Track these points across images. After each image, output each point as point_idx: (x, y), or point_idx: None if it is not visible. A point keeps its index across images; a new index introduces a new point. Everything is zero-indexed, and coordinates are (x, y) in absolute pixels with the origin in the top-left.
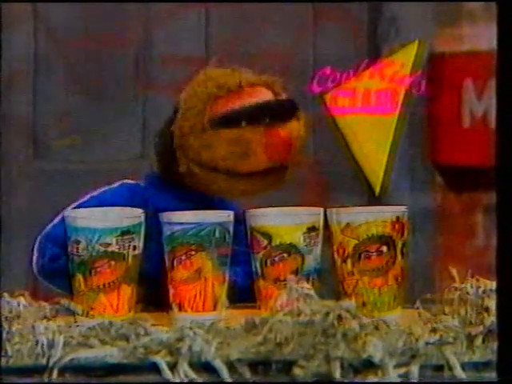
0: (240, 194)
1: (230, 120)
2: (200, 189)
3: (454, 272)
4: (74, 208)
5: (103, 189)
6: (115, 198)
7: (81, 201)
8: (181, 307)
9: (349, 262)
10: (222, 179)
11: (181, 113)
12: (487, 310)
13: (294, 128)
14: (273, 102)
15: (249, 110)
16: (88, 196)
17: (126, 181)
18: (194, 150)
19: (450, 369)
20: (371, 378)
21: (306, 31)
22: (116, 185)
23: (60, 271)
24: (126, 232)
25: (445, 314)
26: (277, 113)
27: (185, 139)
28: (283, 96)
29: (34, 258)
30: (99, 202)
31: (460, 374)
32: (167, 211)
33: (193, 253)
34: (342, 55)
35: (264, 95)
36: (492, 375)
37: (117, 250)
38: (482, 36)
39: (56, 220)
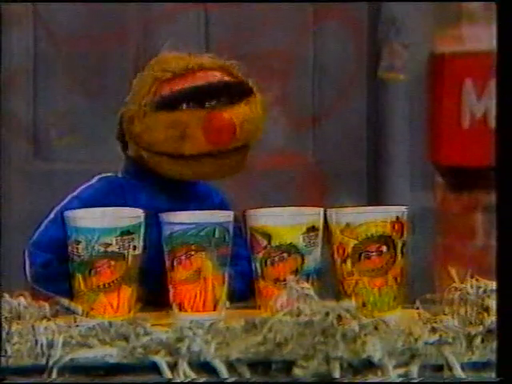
0: (192, 176)
1: (169, 102)
2: (155, 171)
3: (453, 272)
4: (57, 211)
5: (82, 187)
6: (95, 193)
7: (62, 203)
8: (181, 307)
9: (348, 262)
10: (166, 162)
11: (129, 97)
12: (487, 309)
13: (241, 112)
14: (217, 84)
15: (188, 93)
16: (69, 197)
17: (104, 175)
18: (137, 133)
19: (450, 369)
20: (371, 378)
21: (306, 31)
22: (94, 180)
23: (53, 276)
24: (125, 232)
25: (444, 314)
26: (220, 96)
27: (130, 123)
28: (240, 79)
29: (26, 266)
30: (80, 201)
31: (459, 373)
32: (145, 202)
33: (192, 253)
34: (342, 55)
35: (215, 79)
36: (491, 375)
37: (117, 250)
38: (482, 36)
39: (41, 227)
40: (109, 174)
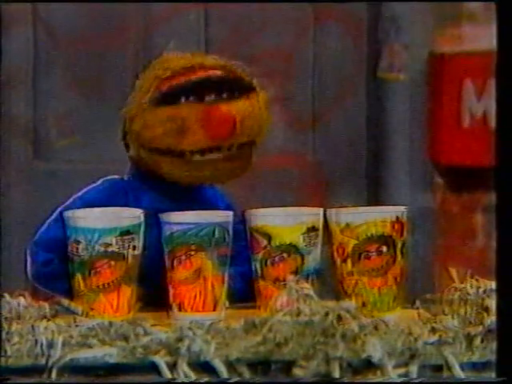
0: (191, 179)
1: (168, 97)
2: (158, 174)
3: (454, 273)
4: (60, 211)
5: (86, 188)
6: (98, 195)
7: (65, 204)
8: (181, 307)
9: (348, 262)
10: (166, 163)
11: (130, 97)
12: (487, 310)
13: (241, 106)
14: (216, 79)
15: (187, 87)
16: (72, 198)
17: (108, 177)
18: (137, 131)
19: (449, 369)
20: (371, 378)
21: (306, 31)
22: (99, 182)
23: (53, 275)
24: (125, 232)
25: (444, 314)
26: (220, 90)
27: (131, 121)
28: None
29: (28, 264)
30: (83, 203)
31: (459, 373)
32: (149, 205)
33: (192, 253)
34: (342, 55)
35: (215, 74)
36: (491, 375)
37: (116, 250)
38: (482, 36)
39: (43, 227)
40: (114, 177)
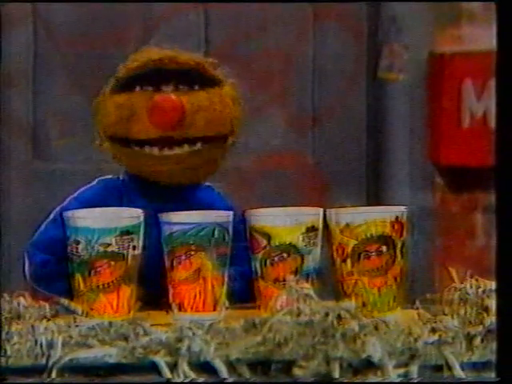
0: (152, 174)
1: (123, 84)
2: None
3: (454, 273)
4: (57, 213)
5: (82, 189)
6: (94, 195)
7: (62, 205)
8: (180, 307)
9: (348, 262)
10: (125, 154)
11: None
12: (487, 310)
13: (197, 99)
14: (175, 69)
15: (141, 75)
16: (68, 199)
17: (104, 177)
18: (98, 120)
19: (449, 369)
20: (371, 378)
21: (305, 31)
22: (94, 182)
23: (51, 276)
24: (125, 232)
25: (444, 314)
26: (178, 82)
27: (96, 112)
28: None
29: (25, 266)
30: (79, 203)
31: (459, 373)
32: (144, 206)
33: (192, 253)
34: (342, 55)
35: (178, 66)
36: (491, 375)
37: (116, 250)
38: (482, 36)
39: (41, 228)
40: (109, 177)
